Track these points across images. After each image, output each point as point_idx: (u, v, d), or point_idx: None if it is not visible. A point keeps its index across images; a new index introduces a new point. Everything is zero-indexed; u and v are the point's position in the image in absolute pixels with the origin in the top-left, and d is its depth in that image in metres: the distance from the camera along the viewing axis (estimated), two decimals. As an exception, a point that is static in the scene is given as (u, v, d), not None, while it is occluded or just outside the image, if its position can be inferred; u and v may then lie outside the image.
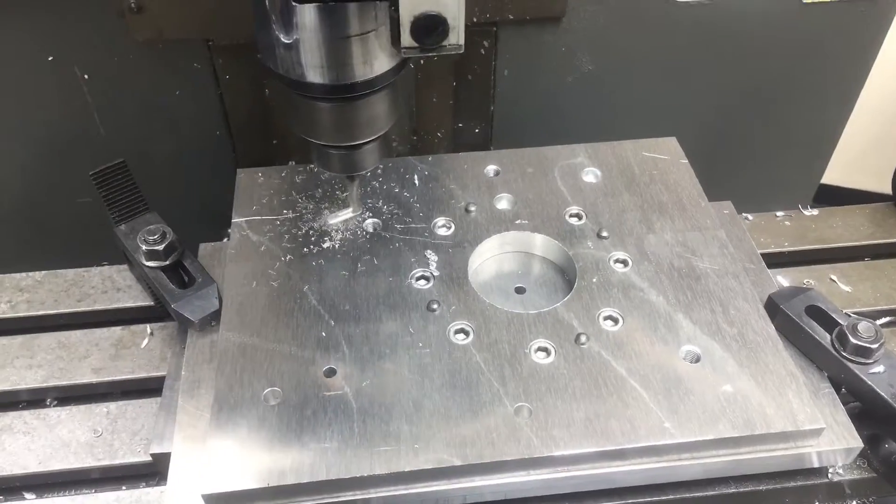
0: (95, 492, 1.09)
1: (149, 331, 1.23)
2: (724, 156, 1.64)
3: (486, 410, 0.97)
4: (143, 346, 1.21)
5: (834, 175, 1.73)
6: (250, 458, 0.93)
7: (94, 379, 1.17)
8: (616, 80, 1.49)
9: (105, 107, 1.41)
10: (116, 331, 1.23)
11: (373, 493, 0.94)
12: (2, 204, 1.53)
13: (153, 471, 1.07)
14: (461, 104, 1.38)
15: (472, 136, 1.44)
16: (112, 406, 1.14)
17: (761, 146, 1.66)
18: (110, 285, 1.29)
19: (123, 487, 1.09)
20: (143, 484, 1.09)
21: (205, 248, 1.26)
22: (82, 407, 1.14)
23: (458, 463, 0.92)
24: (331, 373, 1.01)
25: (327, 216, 1.21)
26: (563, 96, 1.51)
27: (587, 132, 1.53)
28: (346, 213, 1.21)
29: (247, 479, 0.91)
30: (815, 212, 1.45)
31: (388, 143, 1.11)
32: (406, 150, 1.38)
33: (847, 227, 1.42)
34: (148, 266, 1.13)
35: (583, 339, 1.05)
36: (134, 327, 1.23)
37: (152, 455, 1.03)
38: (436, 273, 1.13)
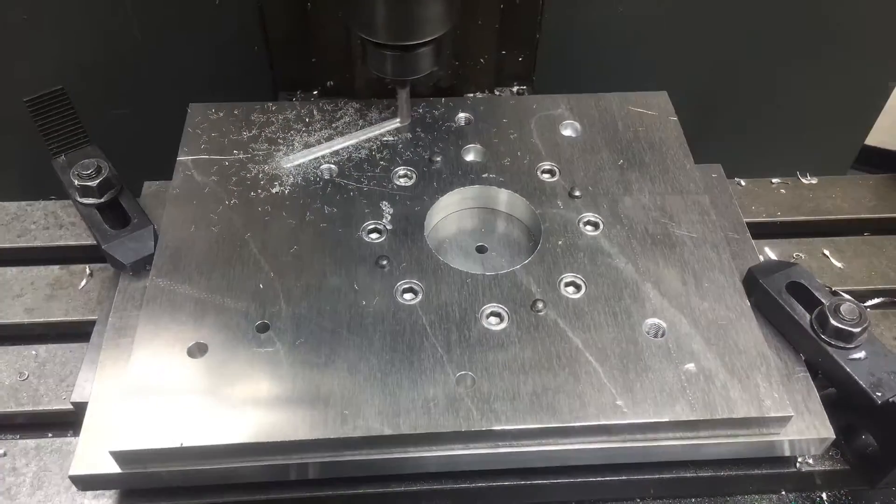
0: (21, 437, 1.03)
1: (88, 271, 1.16)
2: (770, 114, 1.54)
3: (425, 377, 0.90)
4: (80, 287, 1.14)
5: (881, 137, 1.60)
6: (166, 416, 0.86)
7: (25, 319, 1.10)
8: (669, 11, 1.37)
9: (143, 11, 1.32)
10: (54, 270, 1.16)
11: (296, 459, 0.88)
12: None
13: (79, 420, 1.01)
14: (506, 30, 1.29)
15: (514, 66, 1.33)
16: (41, 349, 1.08)
17: (803, 102, 1.54)
18: (53, 221, 1.22)
19: (49, 435, 1.03)
20: (70, 433, 1.03)
21: (149, 187, 1.18)
22: (10, 348, 1.08)
23: (388, 432, 0.85)
24: (264, 328, 0.94)
25: (281, 158, 1.13)
26: (614, 28, 1.39)
27: (636, 69, 1.43)
28: (302, 157, 1.13)
29: (158, 438, 0.84)
30: (815, 180, 1.34)
31: (441, 53, 1.09)
32: (446, 75, 1.30)
33: (847, 199, 1.32)
34: (81, 203, 1.06)
35: (539, 305, 0.97)
36: (73, 267, 1.17)
37: (73, 404, 0.97)
38: (389, 226, 1.05)
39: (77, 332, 1.10)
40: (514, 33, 1.32)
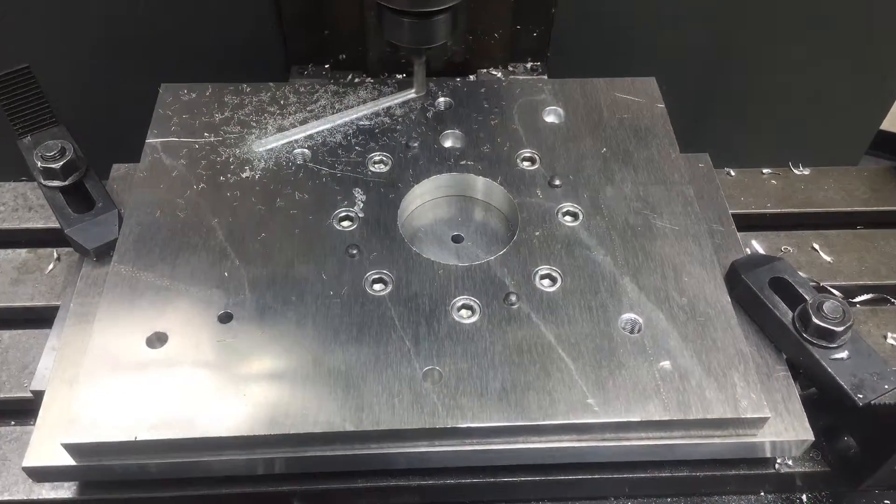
0: (-18, 426, 1.01)
1: (55, 255, 1.13)
2: (780, 99, 1.50)
3: (391, 372, 0.87)
4: (47, 271, 1.12)
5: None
6: (121, 408, 0.83)
7: (-12, 304, 1.08)
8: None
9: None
10: (22, 253, 1.14)
11: (258, 454, 0.85)
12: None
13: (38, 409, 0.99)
14: (521, 4, 1.26)
15: (529, 41, 1.32)
16: (5, 335, 1.05)
17: (814, 85, 1.49)
18: (22, 203, 1.19)
19: (12, 423, 1.01)
20: (33, 421, 1.00)
21: (117, 170, 1.15)
22: (-27, 334, 1.05)
23: (350, 428, 0.83)
24: (227, 318, 0.91)
25: (252, 142, 1.10)
26: (630, 7, 1.36)
27: (655, 47, 1.39)
28: (275, 141, 1.10)
29: (113, 431, 0.82)
30: (807, 171, 1.30)
31: (458, 24, 1.08)
32: (460, 50, 1.28)
33: (840, 191, 1.28)
34: (45, 185, 1.03)
35: (513, 298, 0.93)
36: (41, 251, 1.14)
37: (33, 392, 0.94)
38: (361, 214, 1.02)
39: (42, 318, 1.07)
40: (529, 8, 1.29)
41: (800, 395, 0.93)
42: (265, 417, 0.83)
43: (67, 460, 0.84)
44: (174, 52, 1.36)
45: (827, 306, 0.91)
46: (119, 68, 1.39)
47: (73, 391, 0.85)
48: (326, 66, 1.33)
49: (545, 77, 1.33)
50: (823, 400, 0.94)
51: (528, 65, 1.36)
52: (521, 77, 1.32)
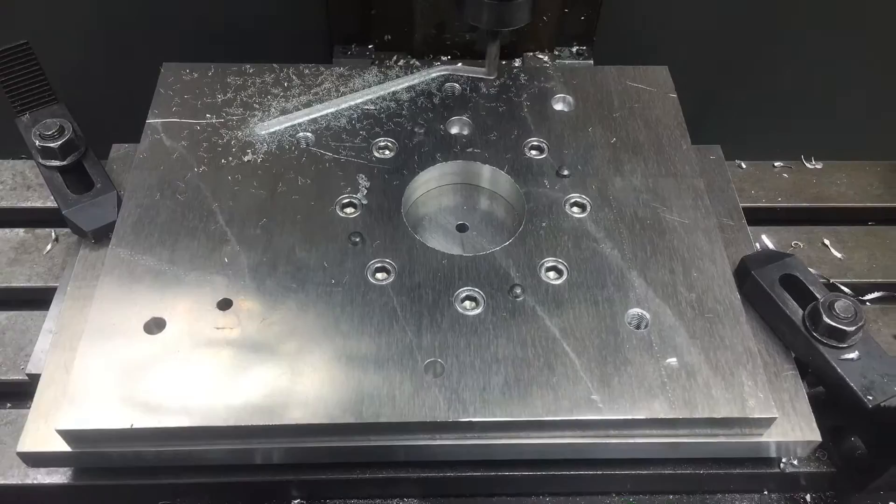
0: (-23, 408, 0.99)
1: (53, 236, 1.11)
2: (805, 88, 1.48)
3: (392, 363, 0.85)
4: (45, 252, 1.10)
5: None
6: (117, 395, 0.82)
7: (-15, 284, 1.06)
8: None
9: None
10: (20, 233, 1.12)
11: (256, 444, 0.84)
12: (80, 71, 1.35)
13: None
14: None
15: (576, 25, 1.30)
16: (2, 316, 1.04)
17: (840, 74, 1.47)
18: (20, 182, 1.17)
19: (8, 406, 1.00)
20: (29, 404, 0.99)
21: (117, 150, 1.13)
22: (-31, 314, 1.04)
23: (350, 420, 0.81)
24: (226, 305, 0.89)
25: (255, 124, 1.07)
26: None
27: (701, 34, 1.37)
28: (278, 124, 1.07)
29: (108, 418, 0.80)
30: (819, 165, 1.28)
31: (535, 8, 1.07)
32: (507, 32, 1.26)
33: (853, 186, 1.25)
34: (43, 165, 1.01)
35: (517, 290, 0.92)
36: (39, 231, 1.12)
37: (29, 375, 0.93)
38: (364, 201, 1.00)
39: (40, 299, 1.06)
40: None
41: (807, 394, 0.92)
42: (264, 407, 0.81)
43: (62, 446, 0.83)
44: (195, 30, 1.33)
45: (838, 305, 0.89)
46: (125, 45, 1.36)
47: (69, 377, 0.84)
48: (370, 46, 1.30)
49: (591, 62, 1.32)
50: (831, 400, 0.92)
51: (574, 49, 1.34)
52: (562, 62, 1.31)
